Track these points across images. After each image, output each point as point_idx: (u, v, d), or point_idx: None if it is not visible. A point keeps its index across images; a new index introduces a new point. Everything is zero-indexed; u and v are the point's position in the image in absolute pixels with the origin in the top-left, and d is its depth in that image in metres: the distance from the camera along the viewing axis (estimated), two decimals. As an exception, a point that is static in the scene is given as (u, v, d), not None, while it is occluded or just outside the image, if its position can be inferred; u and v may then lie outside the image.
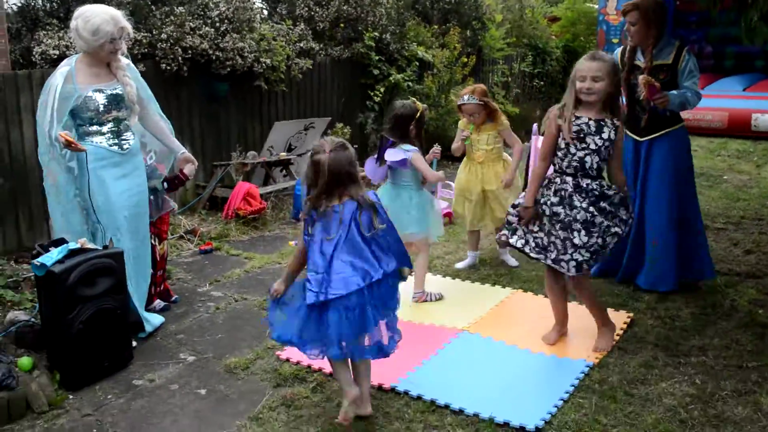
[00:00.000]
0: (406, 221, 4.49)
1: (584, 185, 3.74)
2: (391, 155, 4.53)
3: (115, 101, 4.13)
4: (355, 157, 3.22)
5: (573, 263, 3.73)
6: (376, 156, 4.72)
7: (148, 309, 4.51)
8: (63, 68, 4.05)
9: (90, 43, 4.01)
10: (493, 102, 5.28)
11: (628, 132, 4.73)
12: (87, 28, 3.97)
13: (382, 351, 3.29)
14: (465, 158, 5.40)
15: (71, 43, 6.02)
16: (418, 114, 4.56)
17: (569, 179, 3.78)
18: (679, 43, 4.59)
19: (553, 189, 3.82)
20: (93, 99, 4.07)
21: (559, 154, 3.81)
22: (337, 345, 3.12)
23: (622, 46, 4.90)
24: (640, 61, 4.65)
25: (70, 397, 3.61)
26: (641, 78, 4.39)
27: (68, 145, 3.89)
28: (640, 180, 4.76)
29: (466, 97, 5.14)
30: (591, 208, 3.71)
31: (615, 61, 3.99)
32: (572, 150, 3.75)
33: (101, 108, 4.09)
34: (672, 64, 4.56)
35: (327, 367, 3.71)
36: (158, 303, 4.70)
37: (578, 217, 3.71)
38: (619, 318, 4.34)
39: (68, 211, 4.11)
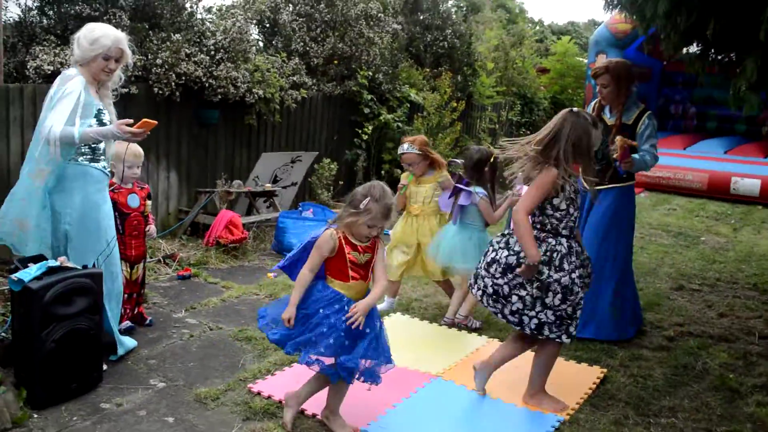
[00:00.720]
0: (460, 255, 4.88)
1: (575, 248, 3.72)
2: (463, 199, 5.03)
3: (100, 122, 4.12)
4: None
5: (535, 321, 3.69)
6: (450, 192, 5.15)
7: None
8: (77, 77, 3.94)
9: (85, 53, 3.97)
10: (435, 153, 5.26)
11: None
12: (87, 37, 3.97)
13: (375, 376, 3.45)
14: (404, 210, 5.32)
15: (66, 59, 6.04)
16: (492, 158, 4.97)
17: (564, 241, 3.69)
18: (642, 107, 4.85)
19: (543, 249, 3.65)
20: (105, 115, 4.06)
21: (557, 214, 3.67)
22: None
23: (596, 99, 5.05)
24: (607, 117, 4.92)
25: (35, 415, 3.55)
26: (618, 139, 4.61)
27: (145, 125, 3.89)
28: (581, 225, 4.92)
29: (405, 146, 5.12)
30: (574, 275, 3.64)
31: None
32: (571, 210, 3.70)
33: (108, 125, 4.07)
34: (632, 125, 4.80)
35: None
36: (124, 324, 4.63)
37: (562, 281, 3.62)
38: (592, 374, 4.36)
39: (43, 218, 3.95)
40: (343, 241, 3.40)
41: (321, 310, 3.39)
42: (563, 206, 3.68)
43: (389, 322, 4.76)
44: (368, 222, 3.35)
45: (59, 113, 3.84)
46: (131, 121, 3.99)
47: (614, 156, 4.67)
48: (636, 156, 4.73)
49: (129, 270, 4.67)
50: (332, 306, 3.39)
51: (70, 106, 3.85)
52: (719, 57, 4.93)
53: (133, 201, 4.65)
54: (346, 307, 3.36)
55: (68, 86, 3.90)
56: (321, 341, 3.33)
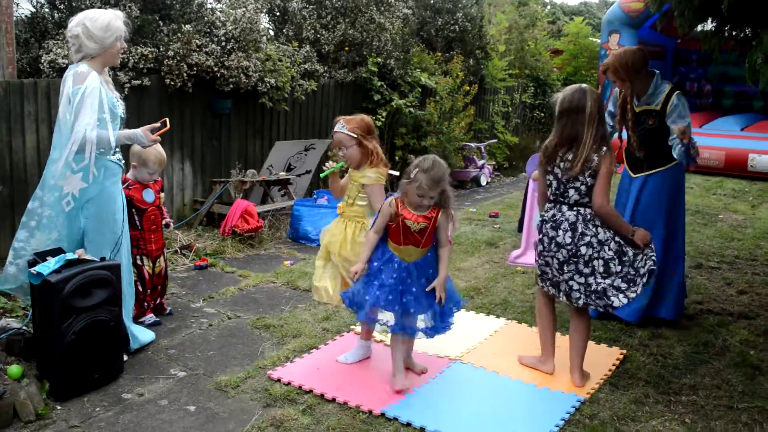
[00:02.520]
0: None
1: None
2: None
3: (119, 113, 4.12)
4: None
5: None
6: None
7: (138, 322, 4.51)
8: (91, 73, 3.87)
9: (102, 42, 3.90)
10: (373, 142, 4.06)
11: (627, 168, 4.93)
12: (97, 26, 3.88)
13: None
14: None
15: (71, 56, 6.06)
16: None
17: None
18: (670, 88, 4.69)
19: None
20: (119, 107, 4.06)
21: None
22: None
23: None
24: (636, 104, 4.82)
25: (58, 407, 3.59)
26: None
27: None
28: (630, 214, 4.83)
29: (338, 125, 4.05)
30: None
31: None
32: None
33: (120, 119, 4.08)
34: (660, 110, 4.66)
35: (317, 389, 3.75)
36: (149, 317, 4.69)
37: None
38: (612, 354, 4.35)
39: (71, 225, 3.98)
40: (399, 207, 3.68)
41: (375, 264, 3.74)
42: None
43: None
44: (417, 191, 3.58)
45: (89, 116, 3.79)
46: (157, 125, 4.06)
47: (684, 142, 4.45)
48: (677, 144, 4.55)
49: (151, 264, 4.70)
50: (386, 264, 3.72)
51: (95, 105, 3.82)
52: (734, 32, 4.85)
53: (149, 196, 4.67)
54: (396, 266, 3.69)
55: (87, 83, 3.82)
56: (370, 291, 3.68)
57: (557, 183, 3.82)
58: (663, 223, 4.76)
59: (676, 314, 4.85)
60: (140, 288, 4.63)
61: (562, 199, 3.81)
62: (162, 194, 4.83)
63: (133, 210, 4.55)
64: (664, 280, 4.81)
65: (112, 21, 3.94)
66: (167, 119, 4.16)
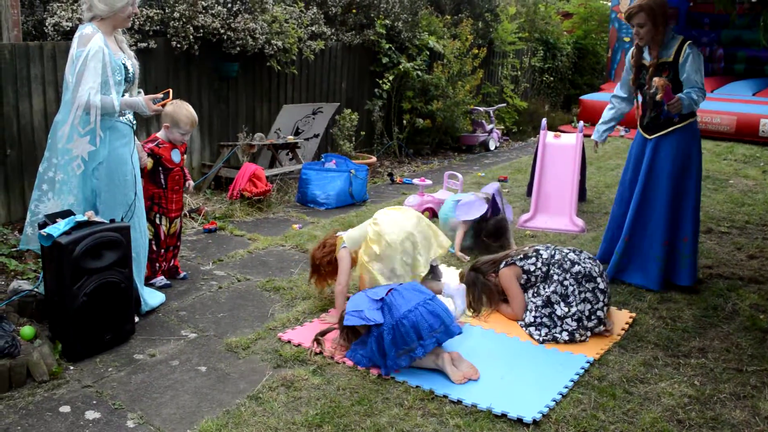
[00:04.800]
0: None
1: None
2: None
3: (127, 74, 4.10)
4: None
5: None
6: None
7: (148, 284, 4.53)
8: (96, 34, 3.84)
9: (112, 4, 3.88)
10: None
11: (640, 130, 4.89)
12: None
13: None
14: None
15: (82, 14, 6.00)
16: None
17: None
18: (681, 38, 4.61)
19: None
20: (126, 69, 4.03)
21: None
22: None
23: (631, 47, 4.92)
24: (647, 60, 4.72)
25: (71, 367, 3.62)
26: (656, 80, 4.46)
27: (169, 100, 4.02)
28: (643, 177, 4.81)
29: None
30: None
31: None
32: None
33: (129, 79, 4.06)
34: (673, 62, 4.60)
35: (327, 351, 3.79)
36: (160, 279, 4.71)
37: None
38: (622, 317, 4.35)
39: (85, 187, 3.99)
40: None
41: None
42: None
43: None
44: None
45: (92, 79, 3.78)
46: (159, 96, 4.03)
47: (657, 98, 4.51)
48: (682, 95, 4.51)
49: (168, 224, 4.73)
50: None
51: (99, 68, 3.80)
52: (749, -6, 4.77)
53: (176, 156, 4.70)
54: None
55: (91, 46, 3.80)
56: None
57: None
58: (668, 186, 4.73)
59: (692, 280, 4.83)
60: (154, 248, 4.65)
61: None
62: (185, 156, 4.84)
63: (160, 168, 4.60)
64: (678, 246, 4.79)
65: None
66: (170, 90, 4.13)
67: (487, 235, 5.50)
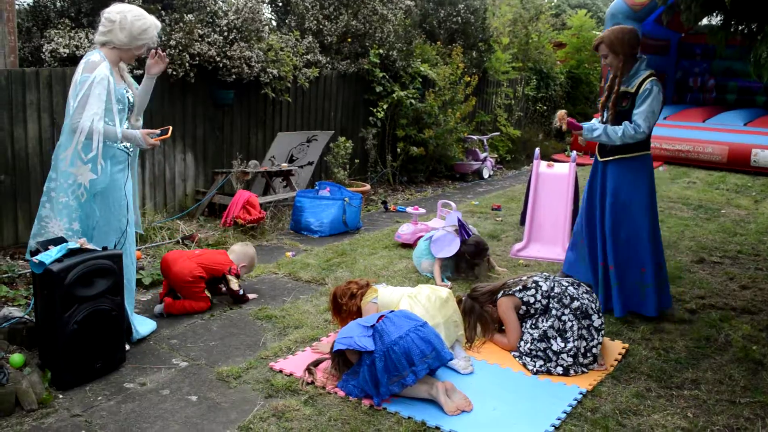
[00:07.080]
0: None
1: None
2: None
3: (129, 103, 4.12)
4: None
5: None
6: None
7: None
8: (102, 62, 3.88)
9: (132, 40, 3.93)
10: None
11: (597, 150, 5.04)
12: (137, 25, 3.92)
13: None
14: None
15: (81, 42, 6.04)
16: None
17: None
18: (648, 74, 4.66)
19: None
20: (127, 98, 4.05)
21: None
22: None
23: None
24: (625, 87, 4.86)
25: (60, 396, 3.59)
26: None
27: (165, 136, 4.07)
28: (588, 196, 5.02)
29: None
30: None
31: None
32: None
33: (130, 108, 4.08)
34: (634, 93, 4.68)
35: (319, 381, 3.74)
36: (160, 308, 4.70)
37: None
38: (615, 348, 4.34)
39: (86, 213, 3.98)
40: None
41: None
42: None
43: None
44: None
45: (96, 106, 3.80)
46: (157, 131, 4.08)
47: (562, 129, 4.79)
48: (594, 124, 4.76)
49: None
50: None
51: (103, 95, 3.83)
52: (740, 27, 4.83)
53: (234, 285, 4.96)
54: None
55: (97, 73, 3.82)
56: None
57: None
58: (609, 212, 4.82)
59: (656, 311, 4.81)
60: None
61: None
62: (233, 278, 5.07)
63: (221, 285, 5.01)
64: (632, 275, 4.83)
65: (151, 28, 3.99)
66: (171, 127, 4.17)
67: (471, 255, 5.62)
